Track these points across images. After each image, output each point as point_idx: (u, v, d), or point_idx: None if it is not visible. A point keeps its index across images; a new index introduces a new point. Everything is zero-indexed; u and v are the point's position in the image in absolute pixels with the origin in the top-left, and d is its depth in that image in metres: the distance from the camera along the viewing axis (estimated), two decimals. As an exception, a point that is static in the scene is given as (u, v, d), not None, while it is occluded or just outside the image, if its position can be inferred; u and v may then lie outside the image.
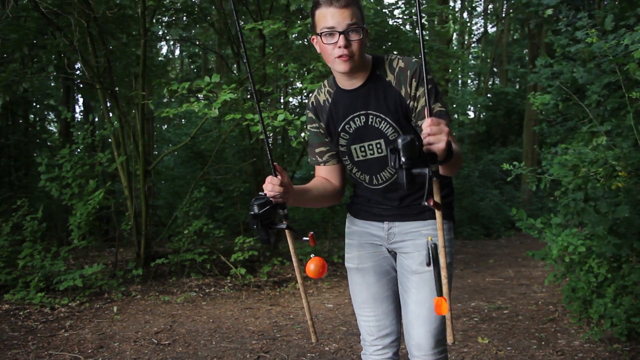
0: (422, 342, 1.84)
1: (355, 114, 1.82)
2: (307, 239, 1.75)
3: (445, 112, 1.75)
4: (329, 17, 1.68)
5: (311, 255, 1.76)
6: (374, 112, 1.79)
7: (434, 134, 1.41)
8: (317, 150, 1.95)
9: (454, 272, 2.05)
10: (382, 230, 1.93)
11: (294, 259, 1.76)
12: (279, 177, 1.66)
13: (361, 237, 1.98)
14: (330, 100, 1.88)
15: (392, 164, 1.42)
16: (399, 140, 1.40)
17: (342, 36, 1.68)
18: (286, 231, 1.75)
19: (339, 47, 1.69)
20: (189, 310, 4.93)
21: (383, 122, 1.79)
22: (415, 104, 1.75)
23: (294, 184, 1.82)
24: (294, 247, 1.77)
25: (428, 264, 1.56)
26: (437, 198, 1.48)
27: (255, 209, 1.62)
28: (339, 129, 1.86)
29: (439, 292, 1.54)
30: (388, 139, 1.81)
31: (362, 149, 1.85)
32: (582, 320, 3.94)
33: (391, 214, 1.90)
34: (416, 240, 1.86)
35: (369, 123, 1.81)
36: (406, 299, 1.89)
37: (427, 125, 1.42)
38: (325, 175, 1.97)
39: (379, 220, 1.93)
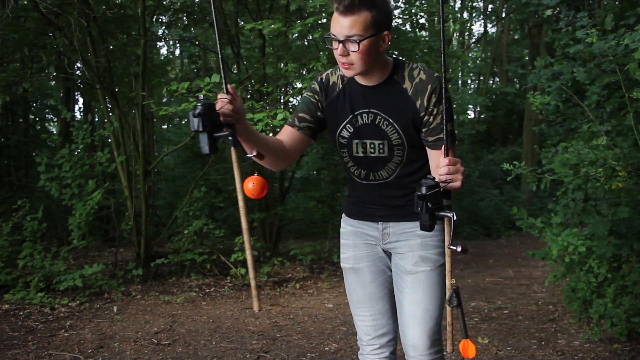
0: (417, 343, 1.84)
1: (364, 110, 1.81)
2: (252, 155, 1.61)
3: (453, 131, 1.76)
4: (334, 22, 1.66)
5: (255, 174, 1.61)
6: (383, 115, 1.78)
7: (451, 173, 1.53)
8: (299, 115, 1.88)
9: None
10: (376, 231, 1.92)
11: (236, 177, 1.60)
12: (231, 95, 1.60)
13: (356, 237, 1.97)
14: (341, 85, 1.85)
15: (419, 209, 1.50)
16: (424, 188, 1.49)
17: (340, 45, 1.66)
18: (233, 152, 1.61)
19: (338, 54, 1.68)
20: (189, 310, 4.93)
21: (390, 126, 1.78)
22: (431, 119, 1.75)
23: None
24: (239, 164, 1.60)
25: (450, 305, 1.63)
26: (447, 238, 1.58)
27: (198, 108, 1.52)
28: (346, 121, 1.84)
29: (465, 334, 1.58)
30: (392, 143, 1.80)
31: (363, 145, 1.84)
32: (582, 320, 3.93)
33: (385, 214, 1.90)
34: (410, 240, 1.86)
35: (376, 123, 1.80)
36: (401, 299, 1.88)
37: (445, 165, 1.53)
38: (288, 137, 1.87)
39: (373, 221, 1.92)
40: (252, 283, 1.62)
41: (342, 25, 1.63)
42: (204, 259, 6.15)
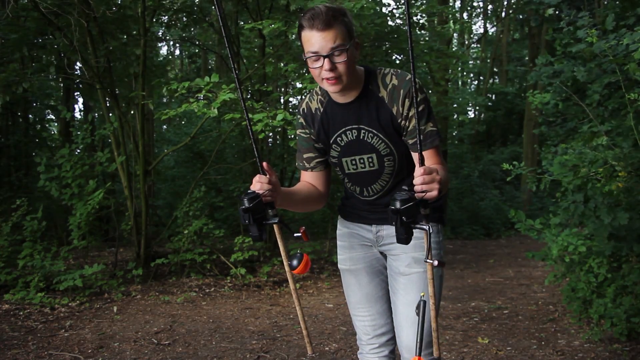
0: (411, 345, 1.83)
1: (347, 128, 1.81)
2: (299, 234, 1.68)
3: (436, 132, 1.75)
4: (312, 40, 1.65)
5: (298, 251, 1.71)
6: (366, 127, 1.79)
7: (426, 183, 1.48)
8: (305, 156, 1.94)
9: (444, 272, 2.05)
10: (370, 233, 1.94)
11: (284, 258, 1.71)
12: (267, 175, 1.64)
13: (352, 238, 1.99)
14: (322, 109, 1.86)
15: (394, 223, 1.47)
16: (398, 202, 1.45)
17: (326, 60, 1.64)
18: (275, 228, 1.69)
19: (325, 70, 1.66)
20: (189, 310, 4.93)
21: (375, 137, 1.79)
22: (407, 123, 1.74)
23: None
24: (284, 244, 1.71)
25: (418, 315, 1.59)
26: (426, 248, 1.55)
27: (246, 203, 1.57)
28: (331, 141, 1.85)
29: (418, 352, 1.54)
30: (380, 153, 1.81)
31: (354, 162, 1.85)
32: (582, 320, 3.94)
33: (379, 217, 1.91)
34: None
35: (361, 137, 1.80)
36: (395, 300, 1.89)
37: (419, 174, 1.48)
38: (311, 180, 1.95)
39: (368, 223, 1.94)
40: (305, 332, 1.78)
41: (324, 39, 1.63)
42: (204, 259, 6.15)
